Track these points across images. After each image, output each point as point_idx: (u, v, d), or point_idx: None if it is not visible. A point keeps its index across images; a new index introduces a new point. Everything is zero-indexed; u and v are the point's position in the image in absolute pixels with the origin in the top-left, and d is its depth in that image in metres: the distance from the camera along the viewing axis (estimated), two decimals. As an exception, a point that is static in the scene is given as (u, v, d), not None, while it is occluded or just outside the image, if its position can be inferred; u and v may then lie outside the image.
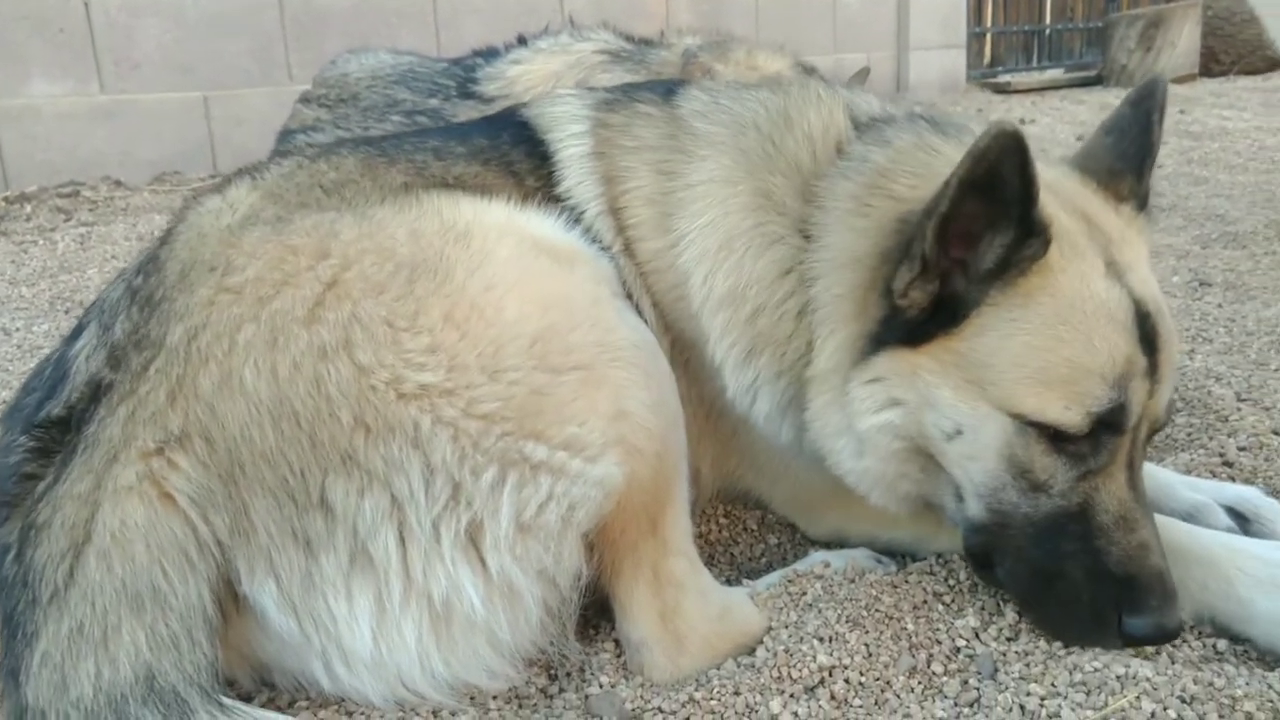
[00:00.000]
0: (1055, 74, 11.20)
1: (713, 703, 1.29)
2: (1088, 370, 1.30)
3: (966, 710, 1.27)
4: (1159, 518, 1.47)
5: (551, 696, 1.37)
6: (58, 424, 1.23)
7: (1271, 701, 1.22)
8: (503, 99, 3.25)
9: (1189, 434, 2.07)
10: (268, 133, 5.95)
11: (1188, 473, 1.85)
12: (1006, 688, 1.28)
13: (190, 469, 1.14)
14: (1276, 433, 2.03)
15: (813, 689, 1.31)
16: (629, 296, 1.64)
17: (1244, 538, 1.53)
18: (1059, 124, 6.79)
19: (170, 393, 1.17)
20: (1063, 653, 1.35)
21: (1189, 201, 4.28)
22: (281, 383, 1.16)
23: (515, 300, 1.29)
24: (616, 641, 1.44)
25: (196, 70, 5.94)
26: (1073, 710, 1.22)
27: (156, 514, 1.12)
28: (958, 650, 1.39)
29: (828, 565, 1.56)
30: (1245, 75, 9.89)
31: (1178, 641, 1.39)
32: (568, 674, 1.42)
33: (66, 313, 2.96)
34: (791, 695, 1.30)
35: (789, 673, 1.33)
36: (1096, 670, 1.29)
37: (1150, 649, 1.36)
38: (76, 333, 1.39)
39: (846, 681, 1.31)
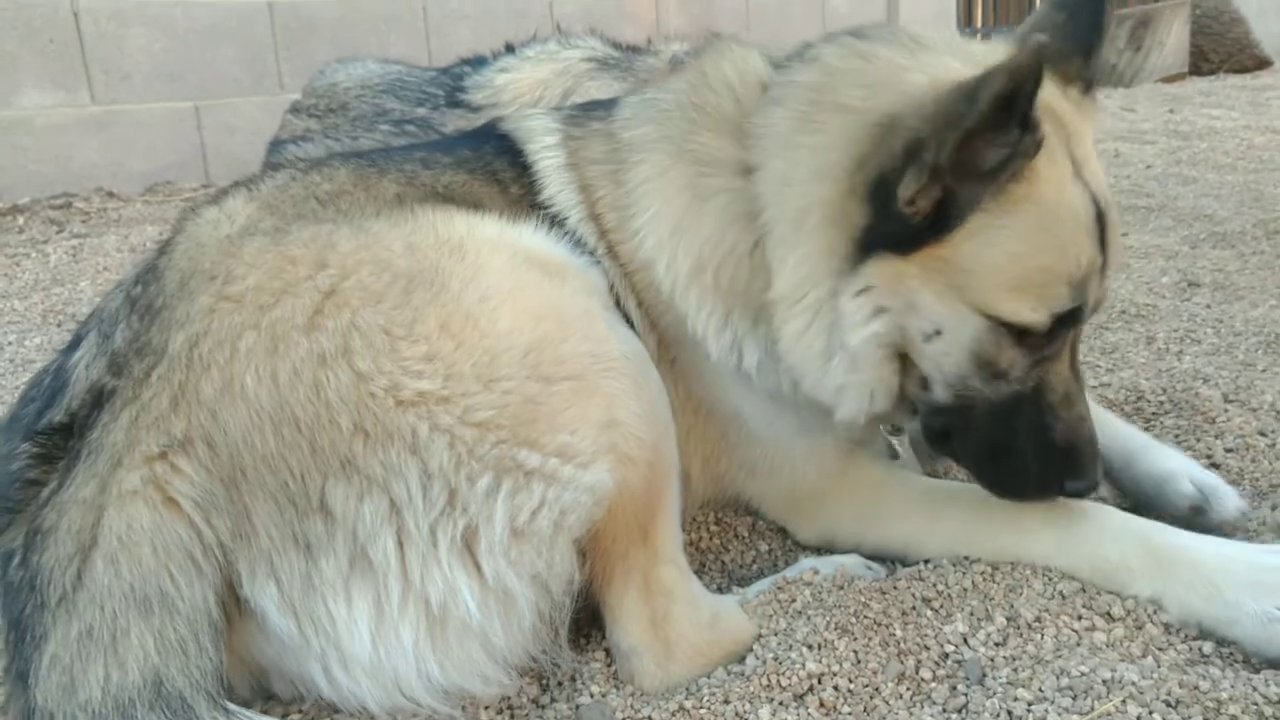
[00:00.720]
0: (1045, 74, 11.24)
1: (703, 711, 1.30)
2: (1058, 275, 1.39)
3: (955, 716, 1.28)
4: (1148, 523, 1.54)
5: (543, 706, 1.38)
6: (60, 430, 1.25)
7: (1256, 704, 1.23)
8: (490, 107, 3.25)
9: (1176, 435, 2.08)
10: (260, 141, 5.96)
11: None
12: (994, 693, 1.29)
13: (193, 473, 1.16)
14: (1263, 434, 2.04)
15: (802, 696, 1.32)
16: (617, 301, 1.68)
17: (1229, 540, 1.54)
18: (1049, 124, 6.80)
19: (173, 398, 1.19)
20: (1050, 657, 1.36)
21: (1178, 202, 4.30)
22: (282, 388, 1.18)
23: (509, 311, 1.31)
24: (607, 651, 1.45)
25: (187, 79, 5.94)
26: (1059, 715, 1.23)
27: (161, 518, 1.14)
28: (946, 656, 1.40)
29: (816, 572, 1.57)
30: (1234, 74, 9.94)
31: (1163, 644, 1.41)
32: (559, 683, 1.42)
33: (59, 325, 2.97)
34: (781, 703, 1.31)
35: (778, 680, 1.33)
36: (1083, 675, 1.30)
37: (1136, 651, 1.37)
38: (75, 343, 1.40)
39: (835, 689, 1.32)
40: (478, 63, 3.42)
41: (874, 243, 1.42)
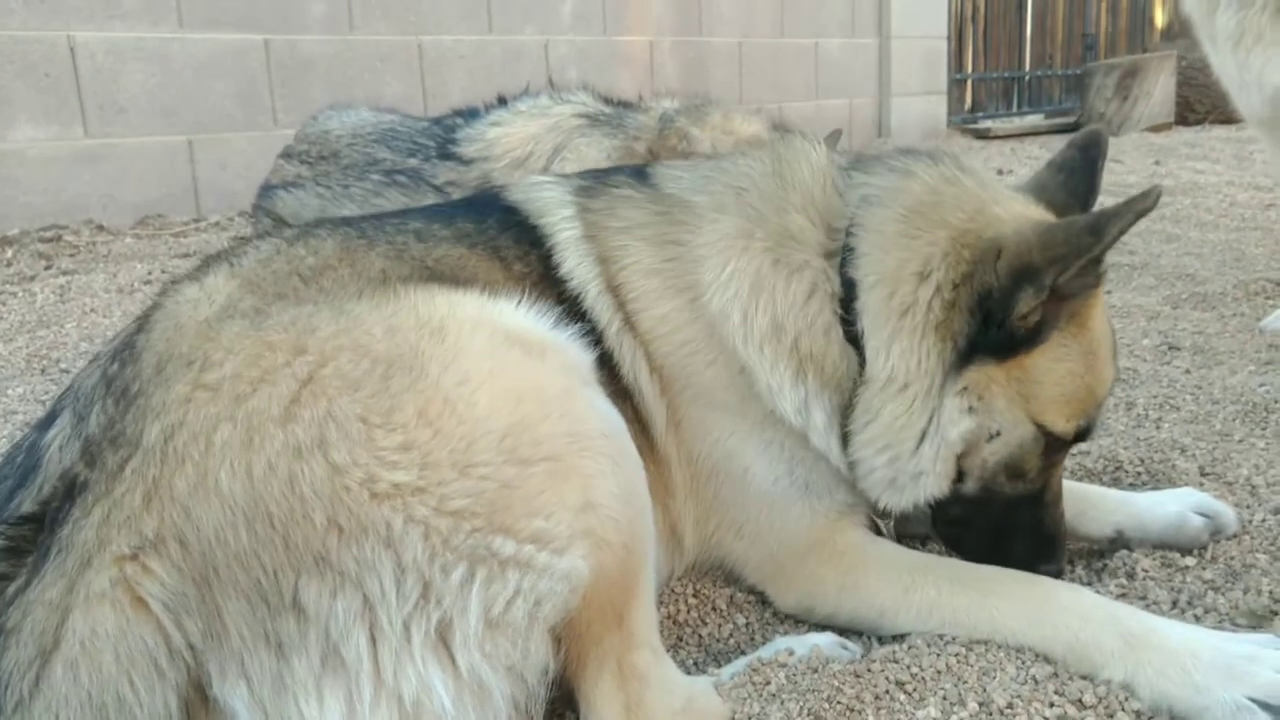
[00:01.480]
0: (1035, 119, 11.39)
1: (674, 800, 1.30)
2: (1093, 394, 1.64)
3: (924, 809, 1.28)
4: (1120, 606, 1.58)
5: (517, 791, 1.38)
6: (30, 520, 1.23)
7: (1223, 803, 1.23)
8: (481, 160, 3.30)
9: (1152, 510, 2.09)
10: (252, 176, 6.01)
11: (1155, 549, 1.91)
12: (964, 786, 1.29)
13: (164, 574, 1.14)
14: (1239, 508, 2.06)
15: (773, 786, 1.32)
16: (618, 375, 1.73)
17: (1199, 627, 1.55)
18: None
19: (146, 495, 1.18)
20: (1020, 749, 1.37)
21: (1160, 260, 4.35)
22: (256, 483, 1.17)
23: (487, 394, 1.31)
24: (580, 733, 1.44)
25: (181, 114, 5.98)
26: (1028, 812, 1.23)
27: (128, 621, 1.12)
28: (918, 743, 1.41)
29: (791, 653, 1.58)
30: (1219, 124, 10.08)
31: (1136, 735, 1.42)
32: (532, 766, 1.42)
33: (43, 372, 2.95)
34: (752, 793, 1.31)
35: (750, 769, 1.34)
36: (1053, 768, 1.30)
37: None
38: (50, 419, 1.39)
39: (807, 778, 1.33)
40: (470, 114, 3.46)
41: (975, 349, 1.61)
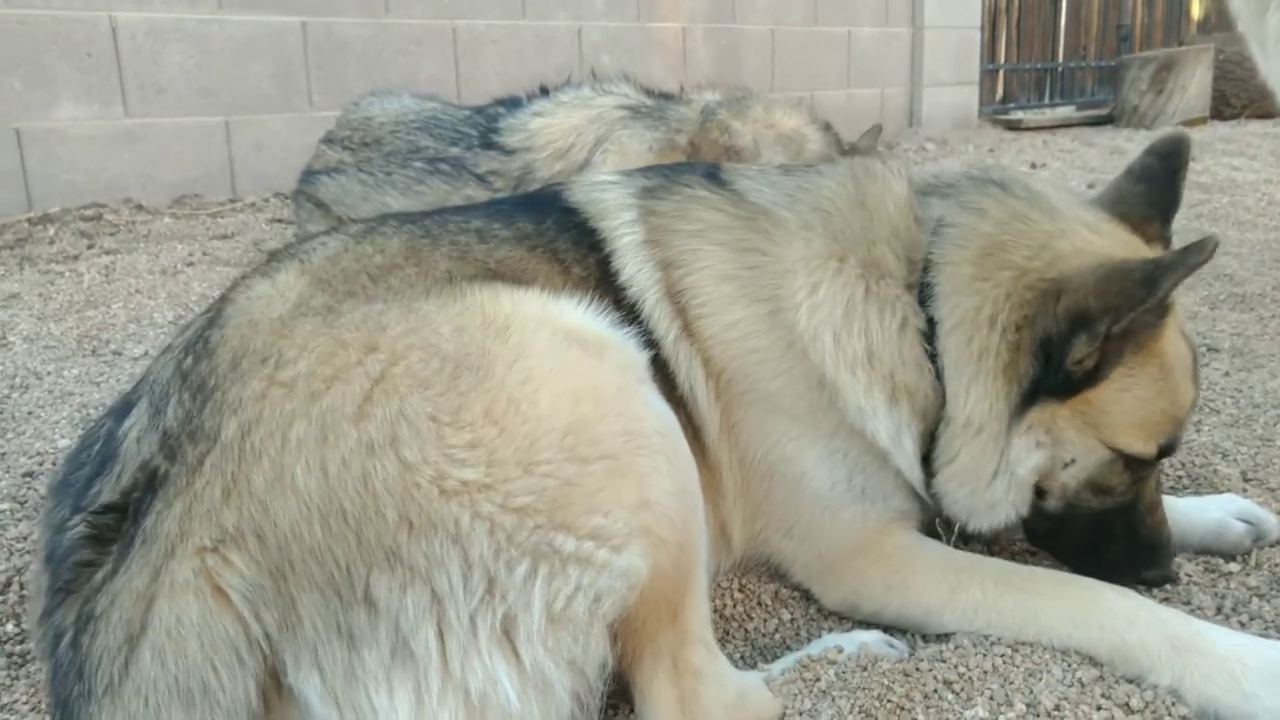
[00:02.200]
0: (1067, 111, 11.28)
1: (728, 793, 1.32)
2: (1170, 416, 1.65)
3: (975, 808, 1.31)
4: (1167, 610, 1.60)
5: (573, 781, 1.41)
6: (112, 510, 1.27)
7: (1271, 810, 1.25)
8: (524, 151, 3.32)
9: (1195, 515, 2.10)
10: (288, 157, 6.07)
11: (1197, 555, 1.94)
12: (1014, 787, 1.32)
13: (243, 566, 1.18)
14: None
15: (826, 782, 1.35)
16: (673, 381, 1.74)
17: (1245, 634, 1.57)
18: (1069, 169, 6.84)
19: (225, 490, 1.21)
20: (1069, 750, 1.39)
21: (1198, 259, 4.32)
22: (331, 480, 1.20)
23: (549, 394, 1.34)
24: (635, 724, 1.48)
25: (218, 95, 6.03)
26: (1078, 814, 1.26)
27: (210, 611, 1.16)
28: (967, 742, 1.43)
29: (840, 650, 1.60)
30: (1255, 119, 9.96)
31: (1181, 742, 1.43)
32: (588, 757, 1.45)
33: (94, 353, 3.01)
34: (805, 788, 1.34)
35: (803, 764, 1.37)
36: (1101, 770, 1.33)
37: None
38: (125, 409, 1.43)
39: (859, 775, 1.35)
40: (512, 104, 3.48)
41: (1039, 390, 1.64)
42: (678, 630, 1.43)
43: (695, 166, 2.02)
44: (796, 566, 1.86)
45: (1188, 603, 1.78)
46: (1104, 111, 10.82)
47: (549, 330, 1.43)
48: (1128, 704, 1.48)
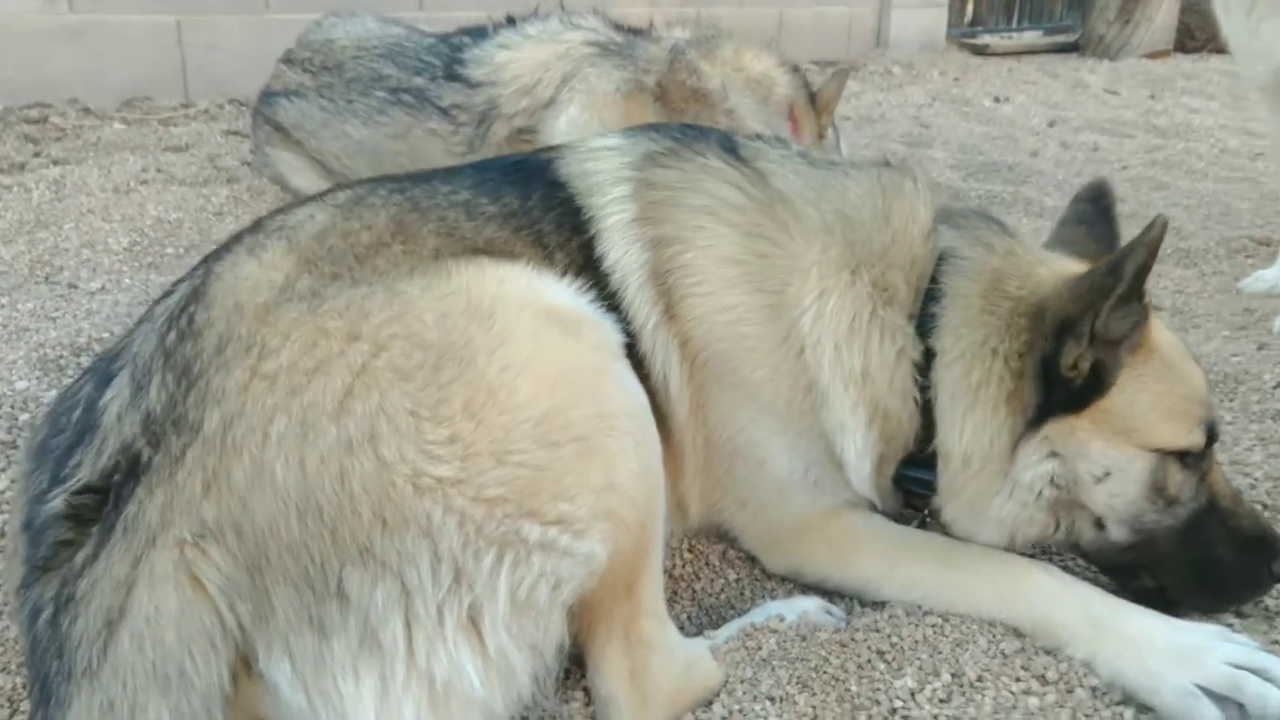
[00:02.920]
0: (1034, 36, 11.22)
1: (673, 760, 1.42)
2: (1194, 398, 1.68)
3: (898, 777, 1.42)
4: (1090, 589, 1.69)
5: (526, 745, 1.50)
6: (91, 491, 1.29)
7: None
8: (488, 85, 3.27)
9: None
10: (243, 61, 5.90)
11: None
12: (935, 758, 1.43)
13: (221, 560, 1.22)
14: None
15: (763, 749, 1.45)
16: (647, 374, 1.75)
17: (1158, 614, 1.68)
18: (1032, 104, 6.86)
19: (205, 484, 1.25)
20: (987, 720, 1.50)
21: (1149, 210, 4.41)
22: (309, 478, 1.24)
23: (527, 381, 1.37)
24: (586, 690, 1.57)
25: (170, -7, 5.80)
26: (991, 786, 1.37)
27: (188, 602, 1.20)
28: (894, 711, 1.53)
29: (782, 619, 1.70)
30: (1217, 54, 9.99)
31: (1089, 710, 1.54)
32: (540, 721, 1.54)
33: (47, 280, 2.96)
34: (743, 755, 1.44)
35: (742, 733, 1.47)
36: (1016, 741, 1.44)
37: (1065, 718, 1.51)
38: (105, 378, 1.44)
39: (794, 743, 1.46)
40: (478, 34, 3.41)
41: (1049, 411, 1.67)
42: (632, 604, 1.51)
43: (709, 133, 1.97)
44: (747, 536, 1.94)
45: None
46: (1071, 38, 10.78)
47: (531, 312, 1.45)
48: (1044, 675, 1.60)
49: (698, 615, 1.87)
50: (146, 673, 1.17)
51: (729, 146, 1.91)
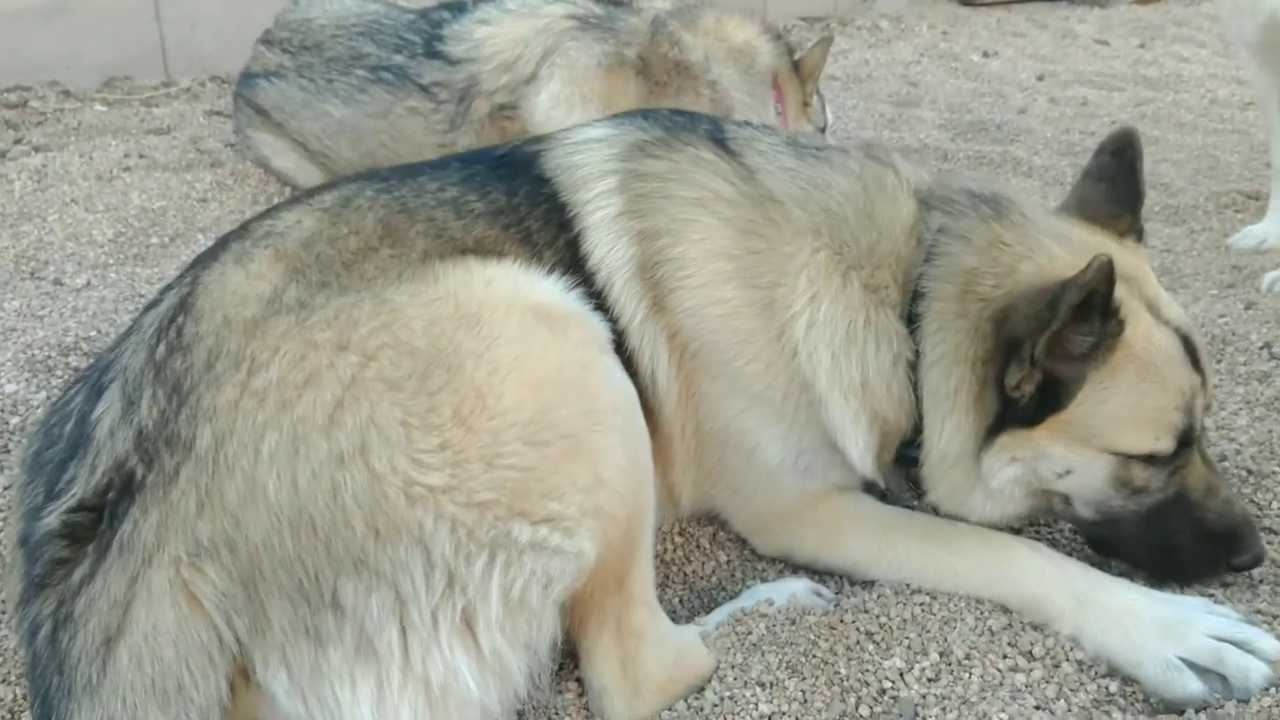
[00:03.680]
0: (1023, -15, 11.06)
1: (665, 749, 1.45)
2: (1166, 408, 1.63)
3: (887, 758, 1.45)
4: (1074, 565, 1.73)
5: (521, 738, 1.52)
6: (85, 509, 1.31)
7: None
8: (468, 61, 3.25)
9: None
10: (224, 37, 5.82)
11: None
12: (923, 736, 1.46)
13: (216, 577, 1.24)
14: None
15: (754, 735, 1.48)
16: (635, 370, 1.75)
17: (1142, 588, 1.70)
18: (1021, 58, 6.79)
19: (199, 502, 1.26)
20: (975, 699, 1.53)
21: (1138, 166, 4.39)
22: (301, 493, 1.25)
23: (514, 383, 1.38)
24: (579, 680, 1.59)
25: (147, -32, 5.71)
26: (978, 765, 1.40)
27: (185, 618, 1.23)
28: (883, 692, 1.56)
29: (771, 603, 1.72)
30: (1209, -1, 9.89)
31: (1075, 685, 1.57)
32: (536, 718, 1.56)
33: (33, 275, 2.94)
34: (735, 742, 1.47)
35: None
36: (1006, 719, 1.47)
37: (1051, 694, 1.54)
38: (96, 391, 1.45)
39: (784, 728, 1.49)
40: (457, 10, 3.38)
41: (1005, 422, 1.66)
42: (623, 596, 1.53)
43: (699, 122, 1.95)
44: (738, 520, 1.96)
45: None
46: (1060, -14, 10.64)
47: (518, 313, 1.46)
48: (1030, 652, 1.62)
49: (690, 599, 1.89)
50: (145, 689, 1.20)
51: (718, 137, 1.89)
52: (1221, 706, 1.50)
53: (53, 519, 1.30)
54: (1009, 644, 1.64)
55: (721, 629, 1.69)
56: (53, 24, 5.46)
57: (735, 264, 1.77)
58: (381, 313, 1.39)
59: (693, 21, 3.35)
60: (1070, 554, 1.83)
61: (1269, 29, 3.11)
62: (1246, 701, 1.49)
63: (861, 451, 1.79)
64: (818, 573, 1.90)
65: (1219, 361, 2.63)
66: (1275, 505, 1.99)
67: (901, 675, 1.59)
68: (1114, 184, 1.86)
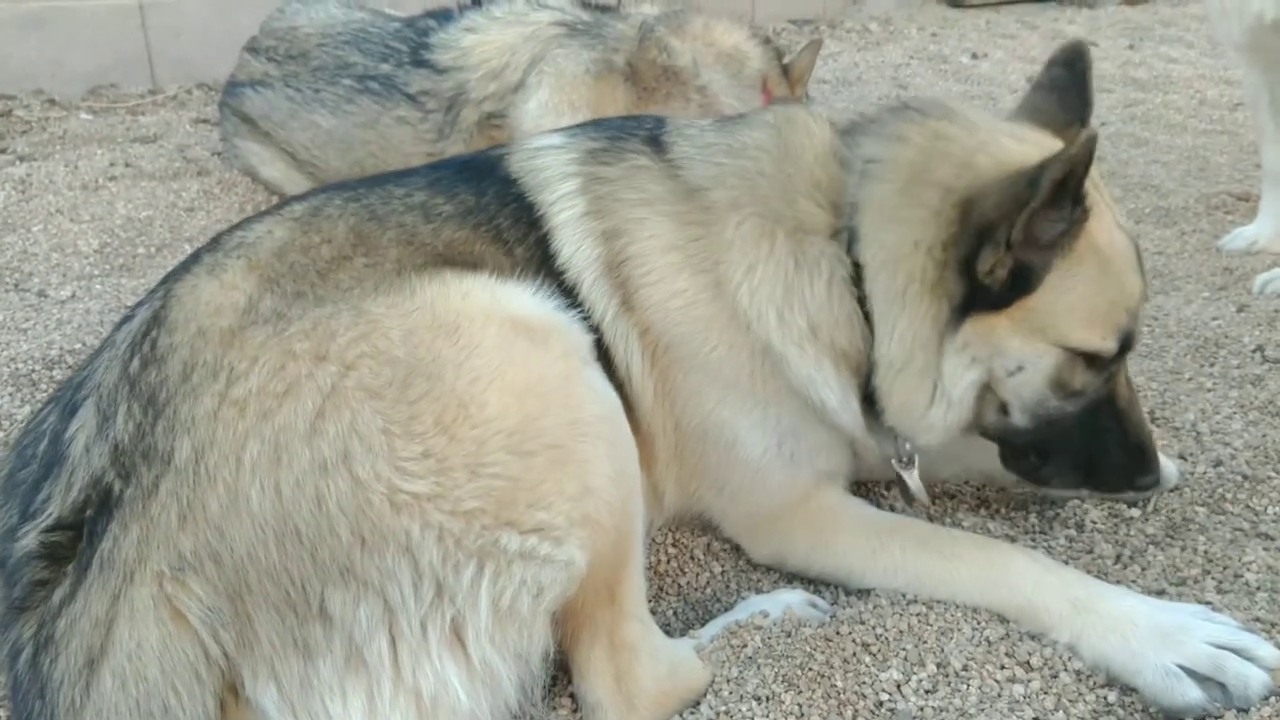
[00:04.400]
0: (1011, -13, 11.09)
1: (660, 764, 1.43)
2: (1120, 307, 1.68)
3: (885, 773, 1.43)
4: (1071, 573, 1.72)
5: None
6: (63, 528, 1.28)
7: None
8: (456, 70, 3.23)
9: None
10: (208, 44, 5.80)
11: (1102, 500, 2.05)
12: (921, 751, 1.44)
13: (201, 591, 1.22)
14: (1184, 457, 2.19)
15: (750, 750, 1.46)
16: (609, 357, 1.77)
17: (1140, 595, 1.69)
18: (1010, 60, 6.81)
19: (181, 515, 1.24)
20: (974, 711, 1.51)
21: (1128, 168, 4.39)
22: (285, 502, 1.24)
23: (496, 393, 1.37)
24: (573, 696, 1.57)
25: (131, -24, 5.68)
26: (977, 780, 1.38)
27: (170, 635, 1.20)
28: (880, 704, 1.54)
29: (766, 615, 1.70)
30: None
31: (1074, 695, 1.56)
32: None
33: (17, 287, 2.91)
34: (731, 757, 1.45)
35: (729, 734, 1.47)
36: (1001, 730, 1.46)
37: (1050, 705, 1.53)
38: (70, 409, 1.42)
39: (781, 743, 1.46)
40: (444, 18, 3.37)
41: (971, 306, 1.67)
42: (615, 608, 1.51)
43: (639, 126, 1.99)
44: (727, 522, 1.95)
45: (1090, 551, 1.91)
46: (1048, -12, 10.67)
47: (496, 323, 1.45)
48: (1028, 662, 1.61)
49: (684, 610, 1.87)
50: (130, 710, 1.18)
51: (653, 140, 1.93)
52: (1221, 716, 1.48)
53: (30, 539, 1.28)
54: (1006, 654, 1.62)
55: (716, 642, 1.67)
56: (37, 32, 5.43)
57: (682, 254, 1.81)
58: (359, 323, 1.38)
59: (681, 27, 3.34)
60: (1067, 563, 1.82)
61: (1256, 30, 3.11)
62: (1246, 710, 1.48)
63: (839, 398, 1.79)
64: (812, 582, 1.88)
65: (1212, 365, 2.62)
66: (1271, 510, 1.98)
67: (899, 687, 1.57)
68: (1065, 94, 1.89)
